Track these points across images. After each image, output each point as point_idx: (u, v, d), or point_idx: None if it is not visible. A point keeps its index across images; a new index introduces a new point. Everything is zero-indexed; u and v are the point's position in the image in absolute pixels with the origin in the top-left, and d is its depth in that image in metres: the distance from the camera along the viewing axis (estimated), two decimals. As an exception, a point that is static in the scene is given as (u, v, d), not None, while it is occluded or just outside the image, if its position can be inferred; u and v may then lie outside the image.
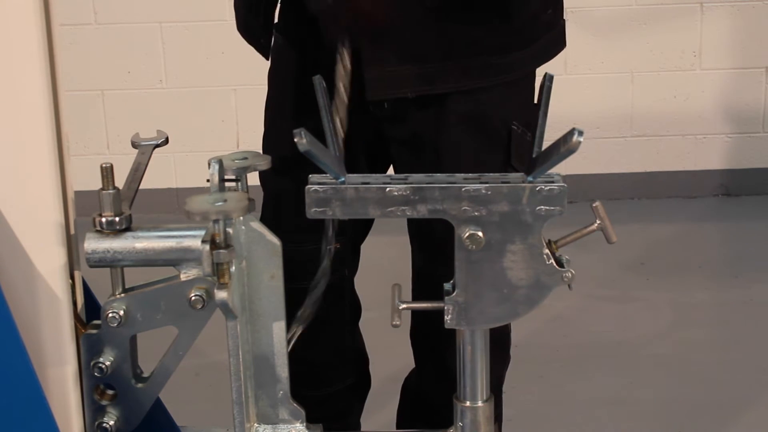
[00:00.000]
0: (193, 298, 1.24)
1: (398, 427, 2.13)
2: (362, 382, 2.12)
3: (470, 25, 1.58)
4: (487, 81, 1.71)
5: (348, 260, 1.93)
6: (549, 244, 1.32)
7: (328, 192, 1.30)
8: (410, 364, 2.12)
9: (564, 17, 1.82)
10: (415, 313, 1.96)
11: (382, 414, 2.23)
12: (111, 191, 1.24)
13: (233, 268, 1.25)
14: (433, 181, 1.30)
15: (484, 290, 1.32)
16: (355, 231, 1.93)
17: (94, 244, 1.25)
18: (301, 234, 1.73)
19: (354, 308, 2.04)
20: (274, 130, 1.90)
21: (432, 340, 1.89)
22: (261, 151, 1.87)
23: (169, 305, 1.26)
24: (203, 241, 1.21)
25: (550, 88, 1.31)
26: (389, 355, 2.16)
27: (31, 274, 1.21)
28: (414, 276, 1.94)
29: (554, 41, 1.79)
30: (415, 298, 1.86)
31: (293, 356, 1.94)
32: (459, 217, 1.30)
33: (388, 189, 1.29)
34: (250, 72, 4.11)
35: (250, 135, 4.16)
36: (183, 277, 1.26)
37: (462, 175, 1.33)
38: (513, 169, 1.72)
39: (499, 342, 1.97)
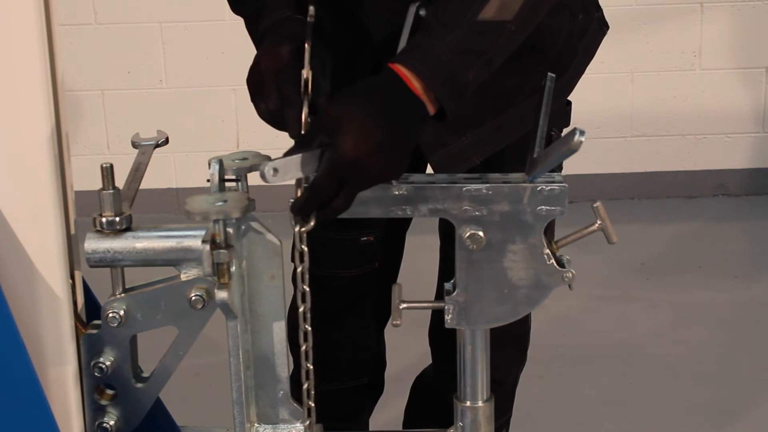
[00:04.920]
0: (193, 298, 1.24)
1: (405, 425, 2.13)
2: (375, 386, 2.10)
3: (510, 76, 1.57)
4: None
5: (379, 255, 1.91)
6: (550, 244, 1.32)
7: (329, 192, 1.30)
8: (414, 364, 2.12)
9: (598, 6, 1.80)
10: (435, 311, 1.96)
11: (383, 414, 2.23)
12: (111, 191, 1.24)
13: (233, 268, 1.25)
14: (434, 181, 1.30)
15: (484, 290, 1.32)
16: (389, 226, 1.92)
17: (94, 244, 1.25)
18: (334, 225, 1.75)
19: (382, 307, 2.02)
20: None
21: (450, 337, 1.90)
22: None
23: (169, 305, 1.26)
24: (203, 241, 1.21)
25: (551, 88, 1.32)
26: (391, 355, 2.16)
27: (31, 274, 1.21)
28: (441, 271, 1.92)
29: (592, 41, 1.78)
30: (440, 292, 1.84)
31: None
32: (460, 216, 1.30)
33: (389, 188, 1.29)
34: (250, 72, 4.11)
35: (250, 135, 4.16)
36: (183, 277, 1.26)
37: (463, 175, 1.33)
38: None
39: (519, 342, 1.97)
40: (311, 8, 1.41)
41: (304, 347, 1.31)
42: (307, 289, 1.30)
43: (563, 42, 1.68)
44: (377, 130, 1.27)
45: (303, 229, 1.27)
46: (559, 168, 1.67)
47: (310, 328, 1.31)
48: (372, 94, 1.32)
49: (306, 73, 1.38)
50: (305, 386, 1.32)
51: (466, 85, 1.34)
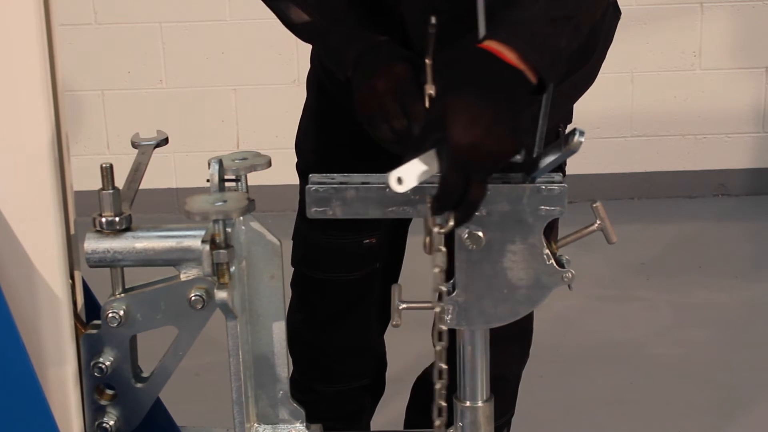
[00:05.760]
0: (193, 298, 1.24)
1: (407, 425, 2.13)
2: (376, 386, 2.10)
3: None
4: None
5: (381, 255, 1.91)
6: (549, 244, 1.32)
7: (329, 192, 1.30)
8: (414, 364, 2.12)
9: None
10: None
11: (383, 414, 2.23)
12: (111, 191, 1.24)
13: (233, 268, 1.25)
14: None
15: (484, 290, 1.32)
16: (392, 227, 1.92)
17: (94, 244, 1.25)
18: (336, 229, 1.74)
19: (383, 308, 2.02)
20: (313, 133, 1.88)
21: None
22: (294, 149, 1.87)
23: (169, 305, 1.26)
24: (203, 241, 1.21)
25: (551, 88, 1.31)
26: (391, 355, 2.16)
27: (31, 274, 1.21)
28: None
29: (609, 26, 1.78)
30: None
31: (308, 345, 1.94)
32: (459, 217, 1.30)
33: (388, 189, 1.29)
34: (250, 72, 4.10)
35: (250, 135, 4.16)
36: (183, 277, 1.26)
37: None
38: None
39: (522, 338, 1.98)
40: (432, 19, 1.40)
41: (438, 347, 1.28)
42: (444, 289, 1.28)
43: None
44: (483, 109, 1.26)
45: (442, 230, 1.26)
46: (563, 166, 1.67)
47: (445, 328, 1.28)
48: (468, 78, 1.31)
49: (429, 87, 1.35)
50: None
51: (560, 52, 1.34)
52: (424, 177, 1.26)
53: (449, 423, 1.37)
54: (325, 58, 1.61)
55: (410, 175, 1.24)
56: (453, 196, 1.25)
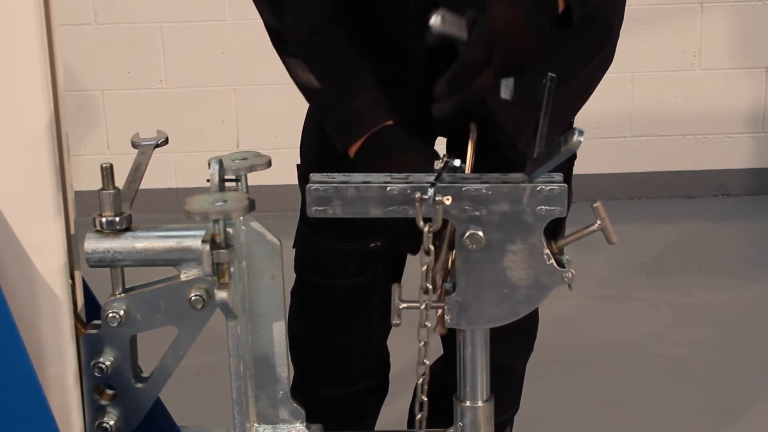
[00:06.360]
0: (193, 298, 1.24)
1: (409, 423, 2.12)
2: (380, 388, 2.10)
3: (567, 48, 1.60)
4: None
5: (383, 256, 1.91)
6: (549, 244, 1.32)
7: (329, 191, 1.30)
8: (415, 363, 2.11)
9: None
10: None
11: (385, 413, 2.23)
12: (111, 191, 1.24)
13: (233, 268, 1.25)
14: (429, 180, 1.30)
15: (484, 290, 1.32)
16: None
17: (94, 244, 1.25)
18: (338, 235, 1.74)
19: (387, 309, 2.03)
20: (316, 142, 1.88)
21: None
22: (299, 150, 1.87)
23: (169, 305, 1.26)
24: (203, 241, 1.21)
25: (551, 88, 1.31)
26: (393, 355, 2.16)
27: (31, 274, 1.21)
28: None
29: (621, 7, 1.79)
30: None
31: (309, 348, 1.94)
32: (459, 216, 1.30)
33: (389, 188, 1.29)
34: (250, 72, 4.10)
35: (250, 135, 4.16)
36: (183, 277, 1.26)
37: (462, 174, 1.33)
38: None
39: (529, 330, 1.98)
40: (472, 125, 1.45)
41: (421, 344, 1.29)
42: (430, 287, 1.28)
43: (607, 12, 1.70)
44: (524, 3, 1.32)
45: (431, 229, 1.26)
46: (574, 159, 1.67)
47: (429, 326, 1.30)
48: None
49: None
50: None
51: None
52: (458, 32, 1.33)
53: (451, 421, 1.37)
54: (326, 126, 1.62)
55: (451, 20, 1.33)
56: (468, 71, 1.29)
